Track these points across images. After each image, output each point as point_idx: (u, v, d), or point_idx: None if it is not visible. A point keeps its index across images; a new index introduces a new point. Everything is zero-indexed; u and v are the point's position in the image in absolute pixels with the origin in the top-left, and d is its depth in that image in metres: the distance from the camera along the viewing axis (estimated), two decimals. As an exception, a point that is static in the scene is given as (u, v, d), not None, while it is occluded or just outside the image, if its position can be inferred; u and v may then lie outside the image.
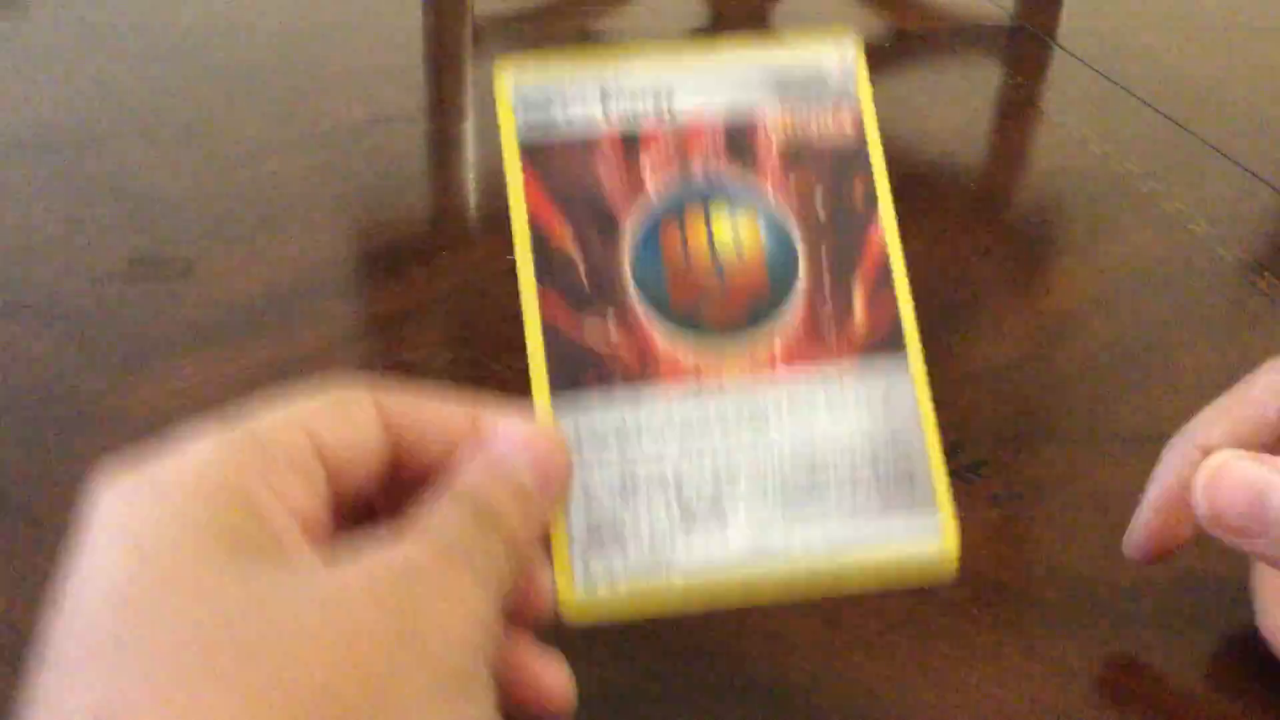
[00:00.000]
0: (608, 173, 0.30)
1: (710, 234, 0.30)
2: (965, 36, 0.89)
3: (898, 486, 0.29)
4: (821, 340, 0.30)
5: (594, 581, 0.28)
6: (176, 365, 0.43)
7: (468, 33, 0.80)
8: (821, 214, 0.30)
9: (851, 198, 0.31)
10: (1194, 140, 0.72)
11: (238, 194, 0.56)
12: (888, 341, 0.30)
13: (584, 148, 0.30)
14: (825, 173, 0.31)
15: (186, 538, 0.21)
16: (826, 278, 0.30)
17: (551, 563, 0.28)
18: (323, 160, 0.60)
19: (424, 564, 0.22)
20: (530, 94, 0.30)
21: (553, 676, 0.27)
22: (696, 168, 0.30)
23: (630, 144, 0.30)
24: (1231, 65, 0.88)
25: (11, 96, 0.64)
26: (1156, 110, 0.76)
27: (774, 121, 0.31)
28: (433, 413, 0.27)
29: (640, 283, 0.29)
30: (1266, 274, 0.57)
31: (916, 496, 0.29)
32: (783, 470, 0.29)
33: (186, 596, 0.20)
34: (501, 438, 0.26)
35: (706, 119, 0.30)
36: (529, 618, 0.27)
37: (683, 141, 0.30)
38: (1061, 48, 0.88)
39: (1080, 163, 0.69)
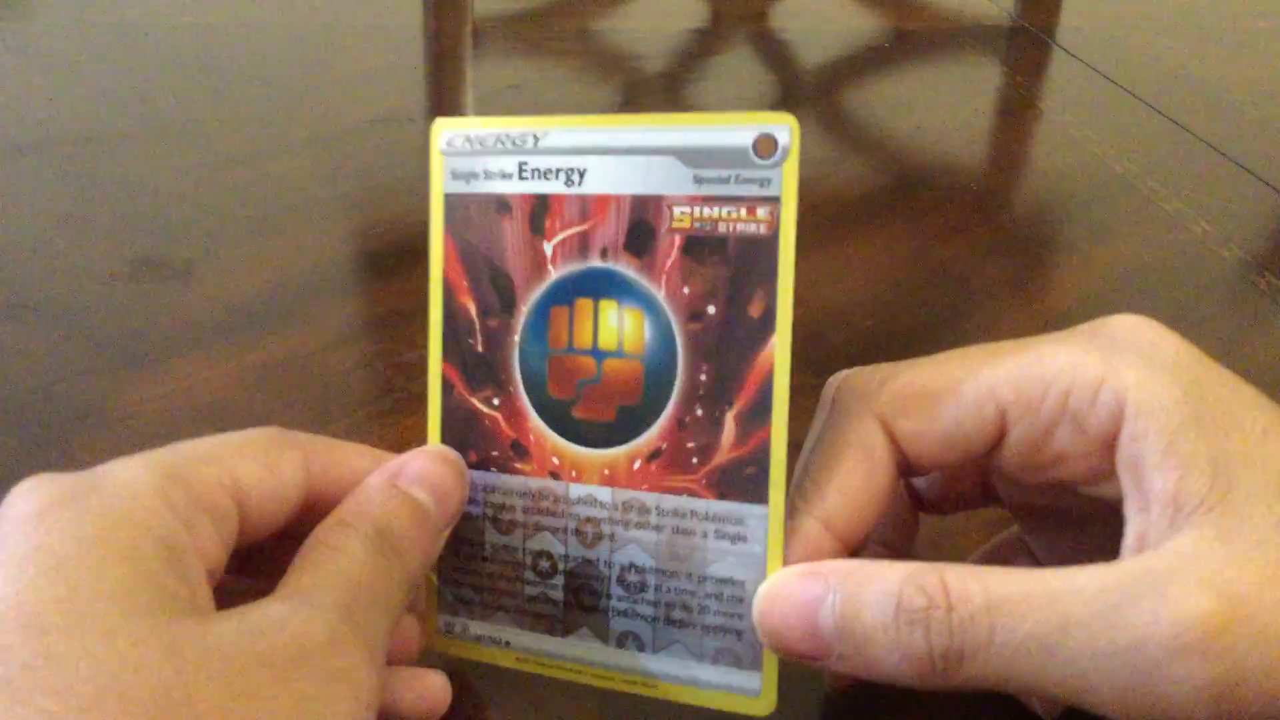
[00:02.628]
0: (514, 242, 0.29)
1: (596, 326, 0.28)
2: (965, 36, 0.89)
3: (725, 638, 0.28)
4: (681, 468, 0.28)
5: (451, 625, 0.30)
6: (176, 365, 0.43)
7: (468, 33, 0.80)
8: (711, 328, 0.27)
9: (747, 311, 0.27)
10: (1194, 140, 0.72)
11: (238, 194, 0.56)
12: (750, 487, 0.27)
13: (497, 206, 0.29)
14: (725, 279, 0.27)
15: (111, 579, 0.21)
16: (700, 402, 0.27)
17: (424, 595, 0.30)
18: (323, 161, 0.60)
19: (320, 639, 0.23)
20: (459, 144, 0.29)
21: (427, 681, 0.28)
22: (595, 253, 0.28)
23: (539, 210, 0.29)
24: (1232, 65, 0.88)
25: (12, 97, 0.64)
26: (1156, 110, 0.76)
27: (682, 211, 0.27)
28: (351, 465, 0.28)
29: (524, 364, 0.29)
30: (1266, 274, 0.57)
31: (742, 654, 0.28)
32: (619, 592, 0.29)
33: (100, 642, 0.20)
34: (405, 461, 0.28)
35: (614, 200, 0.28)
36: (400, 658, 0.29)
37: (588, 218, 0.29)
38: (1061, 48, 0.88)
39: (1080, 163, 0.69)
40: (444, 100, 0.73)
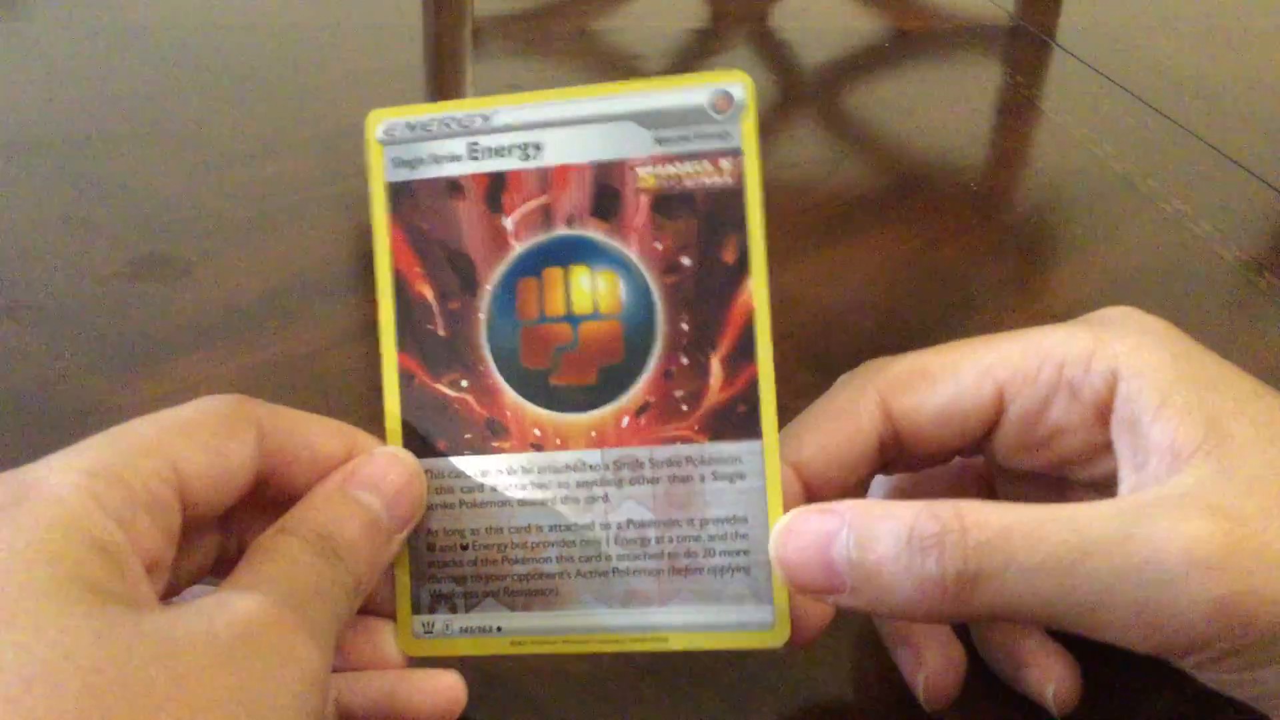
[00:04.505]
0: (470, 222, 0.29)
1: (568, 292, 0.29)
2: (965, 36, 0.89)
3: (734, 576, 0.28)
4: (672, 417, 0.29)
5: (430, 625, 0.29)
6: (176, 365, 0.43)
7: (468, 33, 0.80)
8: (687, 278, 0.28)
9: (721, 258, 0.28)
10: (1194, 140, 0.72)
11: (238, 194, 0.56)
12: (743, 424, 0.28)
13: (448, 189, 0.29)
14: (695, 230, 0.28)
15: (41, 578, 0.21)
16: (684, 350, 0.28)
17: (394, 597, 0.29)
18: (322, 161, 0.60)
19: (263, 622, 0.22)
20: (398, 132, 0.29)
21: (440, 680, 0.28)
22: (560, 222, 0.29)
23: (495, 188, 0.29)
24: (1231, 65, 0.88)
25: (11, 97, 0.64)
26: (1156, 110, 0.76)
27: (646, 172, 0.28)
28: (310, 441, 0.27)
29: (493, 341, 0.29)
30: (1266, 274, 0.57)
31: (753, 589, 0.28)
32: (619, 550, 0.29)
33: (28, 634, 0.20)
34: (356, 466, 0.27)
35: (575, 169, 0.29)
36: (373, 661, 0.28)
37: (549, 190, 0.29)
38: (1061, 48, 0.88)
39: (1080, 163, 0.69)
40: (444, 100, 0.73)
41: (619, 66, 0.80)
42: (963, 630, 0.33)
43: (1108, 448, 0.28)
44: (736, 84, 0.28)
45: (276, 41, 0.76)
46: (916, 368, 0.29)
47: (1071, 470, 0.30)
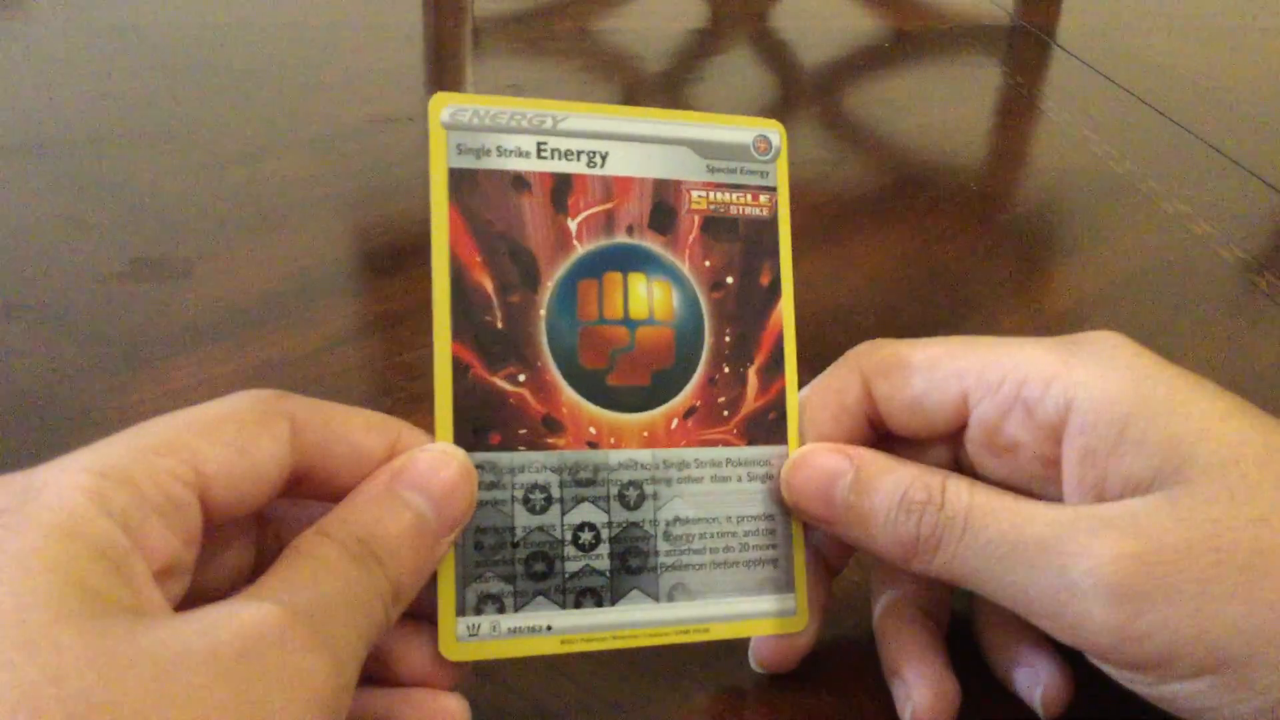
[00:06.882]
0: (535, 219, 0.29)
1: (626, 297, 0.30)
2: (965, 36, 0.89)
3: (763, 569, 0.31)
4: (715, 421, 0.31)
5: (476, 627, 0.29)
6: (176, 365, 0.43)
7: (468, 33, 0.81)
8: (730, 295, 0.31)
9: (758, 280, 0.32)
10: (1194, 140, 0.72)
11: (238, 194, 0.56)
12: (772, 430, 0.31)
13: (514, 183, 0.29)
14: (738, 253, 0.31)
15: (38, 590, 0.20)
16: (726, 360, 0.31)
17: (436, 601, 0.28)
18: (322, 160, 0.60)
19: (268, 637, 0.22)
20: (465, 119, 0.29)
21: (441, 703, 0.27)
22: (621, 230, 0.30)
23: (561, 189, 0.30)
24: (1231, 65, 0.88)
25: (12, 97, 0.65)
26: (1156, 110, 0.76)
27: (699, 195, 0.31)
28: (349, 436, 0.26)
29: (553, 338, 0.29)
30: (1266, 274, 0.57)
31: (780, 580, 0.31)
32: (666, 547, 0.30)
33: (19, 651, 0.19)
34: (404, 464, 0.27)
35: (637, 182, 0.31)
36: (405, 675, 0.28)
37: (612, 198, 0.30)
38: (1061, 48, 0.88)
39: (1080, 163, 0.69)
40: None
41: (619, 67, 0.80)
42: (960, 660, 0.33)
43: (1059, 467, 0.29)
44: (774, 131, 0.32)
45: (276, 41, 0.76)
46: (899, 356, 0.31)
47: (1033, 485, 0.30)
